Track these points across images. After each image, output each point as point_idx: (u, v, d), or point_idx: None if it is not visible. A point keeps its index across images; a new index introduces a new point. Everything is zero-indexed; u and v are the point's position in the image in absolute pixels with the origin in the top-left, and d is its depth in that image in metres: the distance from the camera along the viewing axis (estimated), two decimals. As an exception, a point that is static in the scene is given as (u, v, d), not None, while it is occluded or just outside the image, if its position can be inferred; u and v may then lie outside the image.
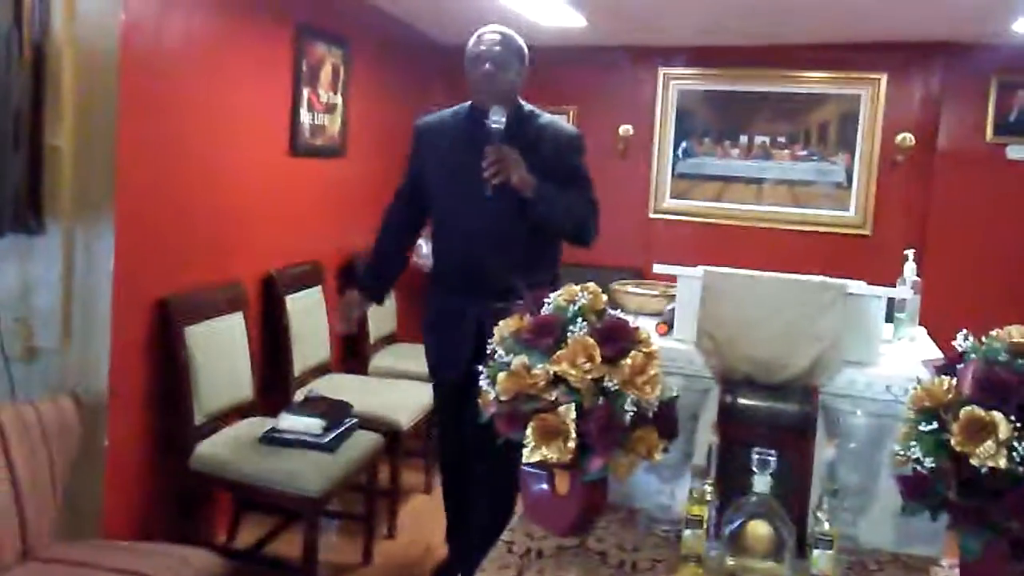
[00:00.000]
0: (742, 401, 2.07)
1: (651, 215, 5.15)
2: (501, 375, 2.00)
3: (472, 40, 2.80)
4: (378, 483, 3.35)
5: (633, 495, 2.25)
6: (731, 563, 1.88)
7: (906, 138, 4.73)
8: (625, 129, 5.12)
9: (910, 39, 4.57)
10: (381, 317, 4.37)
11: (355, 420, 3.23)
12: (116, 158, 2.69)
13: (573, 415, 1.90)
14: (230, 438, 3.05)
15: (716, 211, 5.05)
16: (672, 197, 5.11)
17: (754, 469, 1.86)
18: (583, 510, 2.08)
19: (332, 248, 4.14)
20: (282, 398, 3.49)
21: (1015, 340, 1.79)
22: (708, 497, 1.93)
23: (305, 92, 3.72)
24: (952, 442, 1.74)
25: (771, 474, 1.85)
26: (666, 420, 2.00)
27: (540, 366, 1.95)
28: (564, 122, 2.97)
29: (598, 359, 1.92)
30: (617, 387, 1.92)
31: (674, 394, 2.05)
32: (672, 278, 2.40)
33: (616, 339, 1.95)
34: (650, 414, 1.95)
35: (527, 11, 3.96)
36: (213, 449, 2.97)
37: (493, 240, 2.74)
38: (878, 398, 2.08)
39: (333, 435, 3.06)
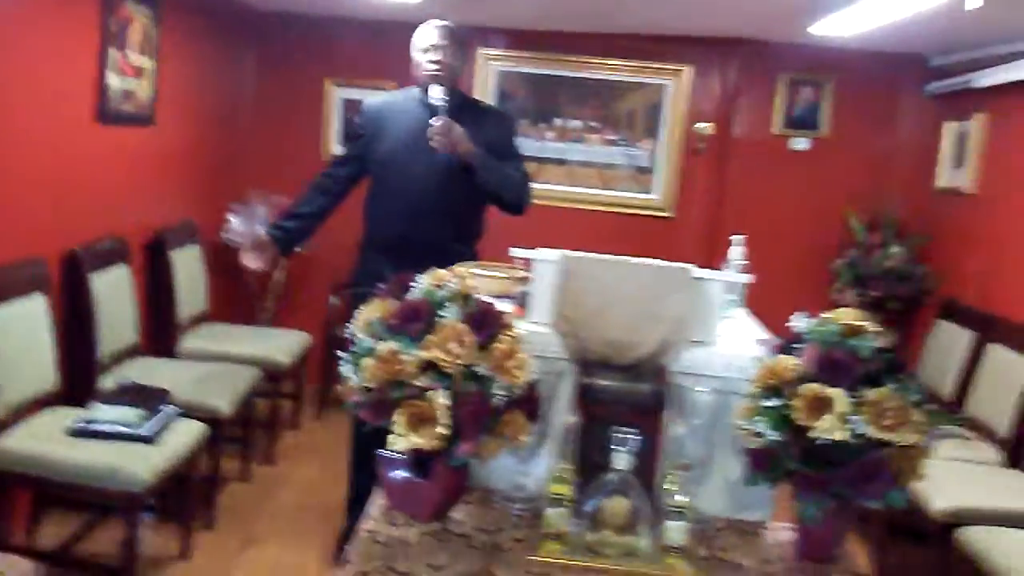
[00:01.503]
0: (599, 382, 2.14)
1: (467, 194, 5.17)
2: (367, 361, 1.95)
3: (419, 30, 3.10)
4: (196, 473, 3.17)
5: (488, 476, 2.27)
6: (591, 538, 1.95)
7: (706, 127, 5.05)
8: (442, 107, 5.10)
9: (714, 34, 4.87)
10: (190, 296, 4.13)
11: (173, 408, 3.03)
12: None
13: (444, 401, 1.90)
14: (34, 430, 2.78)
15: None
16: (488, 177, 5.16)
17: (614, 447, 1.95)
18: (447, 495, 2.08)
19: (139, 223, 3.84)
20: (88, 386, 3.21)
21: (847, 323, 1.98)
22: (568, 476, 1.99)
23: (113, 54, 3.40)
24: (795, 416, 1.90)
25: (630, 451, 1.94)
26: (531, 403, 2.03)
27: (411, 352, 1.92)
28: (498, 107, 3.42)
29: (470, 344, 1.92)
30: (488, 372, 1.93)
31: (535, 377, 2.09)
32: (514, 260, 2.50)
33: (487, 324, 1.96)
34: (516, 398, 1.98)
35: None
36: (15, 443, 2.69)
37: (431, 210, 3.04)
38: (719, 375, 2.23)
39: (152, 425, 2.86)
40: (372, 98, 3.25)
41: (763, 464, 1.96)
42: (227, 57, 4.75)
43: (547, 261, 2.31)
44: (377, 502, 2.15)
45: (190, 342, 4.00)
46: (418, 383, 1.92)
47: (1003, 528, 2.82)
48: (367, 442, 2.99)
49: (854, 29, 4.06)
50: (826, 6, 3.68)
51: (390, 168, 3.09)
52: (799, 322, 2.05)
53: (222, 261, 4.46)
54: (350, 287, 3.21)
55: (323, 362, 4.66)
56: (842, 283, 4.79)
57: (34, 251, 3.03)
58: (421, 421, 1.91)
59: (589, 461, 2.07)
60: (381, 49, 4.88)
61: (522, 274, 2.77)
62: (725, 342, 2.31)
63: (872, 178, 4.99)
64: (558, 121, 5.11)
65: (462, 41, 3.13)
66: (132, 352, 3.59)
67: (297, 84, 5.07)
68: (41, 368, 2.93)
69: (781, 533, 2.18)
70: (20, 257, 2.93)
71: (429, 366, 1.93)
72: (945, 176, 4.74)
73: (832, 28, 4.12)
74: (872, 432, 1.84)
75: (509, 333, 2.00)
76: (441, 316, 1.94)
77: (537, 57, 5.08)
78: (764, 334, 2.45)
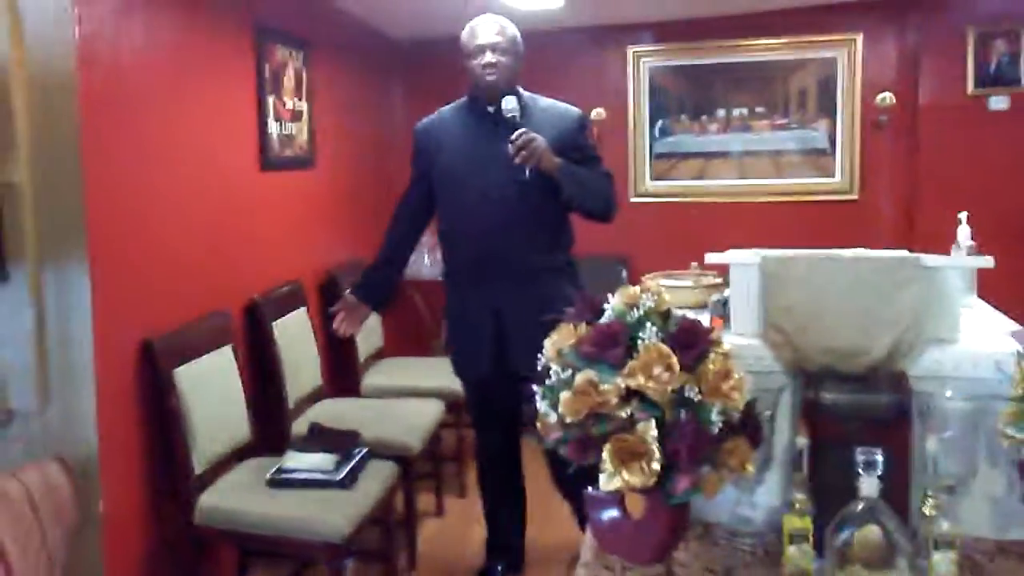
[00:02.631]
0: (827, 396, 1.88)
1: (632, 199, 4.96)
2: (564, 395, 1.78)
3: (467, 32, 2.84)
4: (393, 513, 3.10)
5: (706, 508, 2.05)
6: (841, 577, 1.70)
7: (886, 98, 4.62)
8: (597, 112, 4.92)
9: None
10: (367, 333, 4.11)
11: (366, 449, 2.98)
12: (83, 190, 2.39)
13: (654, 433, 1.70)
14: (234, 484, 2.78)
15: (699, 189, 4.89)
16: (653, 179, 4.93)
17: (860, 470, 1.69)
18: (667, 534, 1.88)
19: (310, 266, 3.87)
20: (280, 434, 3.22)
21: None
22: (804, 507, 1.75)
23: (270, 100, 3.43)
24: (1084, 421, 1.58)
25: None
26: (752, 427, 1.80)
27: (611, 381, 1.74)
28: (564, 103, 2.96)
29: (677, 367, 1.71)
30: (700, 396, 1.72)
31: (752, 397, 1.85)
32: (707, 265, 2.29)
33: (693, 343, 1.74)
34: (736, 422, 1.76)
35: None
36: (218, 499, 2.70)
37: (515, 225, 2.79)
38: (970, 377, 1.91)
39: (346, 470, 2.81)
40: (425, 119, 3.01)
41: (1044, 480, 1.65)
42: (376, 91, 4.77)
43: (745, 264, 2.07)
44: (588, 546, 1.98)
45: (371, 379, 3.99)
46: (621, 414, 1.74)
47: None
48: (499, 465, 3.10)
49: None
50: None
51: (459, 188, 2.84)
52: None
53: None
54: (446, 320, 3.04)
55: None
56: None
57: (217, 305, 3.06)
58: (631, 456, 1.72)
59: (824, 488, 1.82)
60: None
61: (713, 281, 2.55)
62: (969, 338, 1.99)
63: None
64: (720, 112, 4.82)
65: (517, 38, 2.85)
66: (317, 395, 3.59)
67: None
68: (235, 420, 2.94)
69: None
70: (205, 311, 2.96)
71: (632, 394, 1.74)
72: None
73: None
74: None
75: (719, 350, 1.77)
76: (641, 338, 1.75)
77: (689, 47, 4.82)
78: (1012, 324, 2.11)
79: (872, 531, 1.69)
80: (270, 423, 3.25)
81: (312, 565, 3.07)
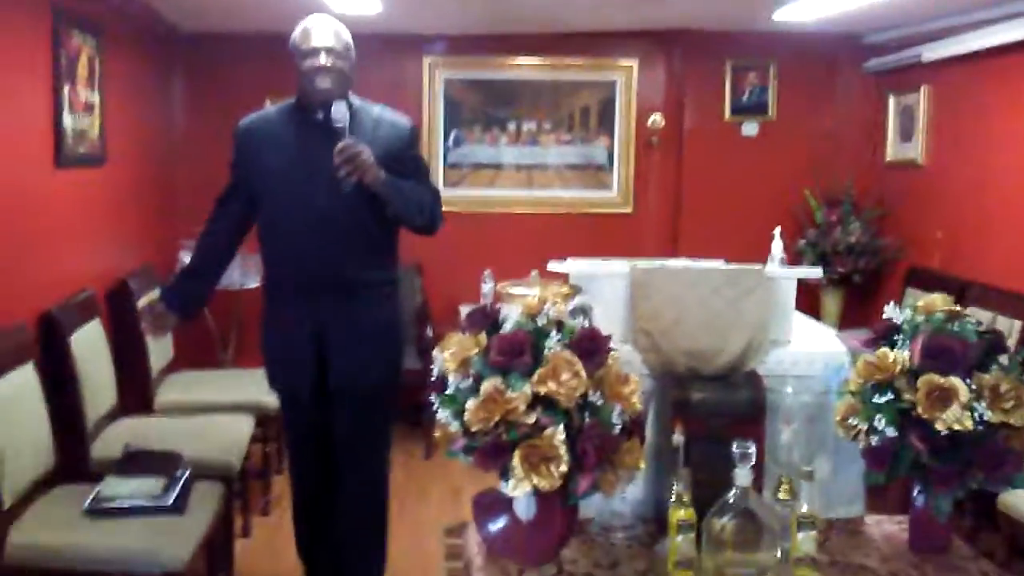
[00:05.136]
0: (695, 395, 2.06)
1: (424, 208, 5.01)
2: (471, 403, 1.81)
3: (299, 31, 2.67)
4: (220, 536, 2.93)
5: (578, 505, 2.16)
6: (721, 560, 1.87)
7: (656, 119, 5.04)
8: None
9: (656, 27, 4.86)
10: (158, 344, 3.83)
11: (188, 471, 2.79)
12: None
13: (563, 437, 1.78)
14: (46, 517, 2.51)
15: (490, 199, 5.05)
16: (445, 187, 5.02)
17: (736, 462, 1.87)
18: (559, 535, 1.96)
19: (101, 273, 3.55)
20: (82, 458, 2.93)
21: (947, 308, 1.96)
22: (687, 499, 1.90)
23: (66, 90, 3.11)
24: (918, 410, 1.86)
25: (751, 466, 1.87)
26: (640, 427, 1.94)
27: (519, 388, 1.79)
28: (395, 111, 2.85)
29: (583, 373, 1.80)
30: (602, 400, 1.83)
31: (636, 398, 1.99)
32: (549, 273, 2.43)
33: (594, 349, 1.85)
34: (630, 424, 1.88)
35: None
36: (29, 534, 2.41)
37: (339, 239, 2.65)
38: (805, 374, 2.18)
39: (175, 493, 2.62)
40: (247, 118, 2.80)
41: (884, 461, 1.92)
42: (164, 85, 4.47)
43: (614, 275, 2.21)
44: (476, 550, 2.02)
45: (166, 394, 3.73)
46: (527, 421, 1.80)
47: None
48: (315, 485, 2.89)
49: (814, 15, 4.12)
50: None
51: (281, 197, 2.67)
52: (894, 313, 2.02)
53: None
54: (264, 331, 2.83)
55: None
56: (807, 263, 4.86)
57: (8, 317, 2.73)
58: (541, 460, 1.78)
59: (696, 479, 1.99)
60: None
61: (567, 290, 2.67)
62: (802, 340, 2.28)
63: (824, 157, 5.07)
64: (511, 125, 5.02)
65: (350, 42, 2.68)
66: (114, 414, 3.31)
67: (241, 105, 4.79)
68: (39, 445, 2.64)
69: (882, 527, 2.15)
70: (2, 325, 2.64)
71: (537, 401, 1.81)
72: (894, 149, 4.87)
73: (792, 14, 4.17)
74: (994, 417, 1.83)
75: (613, 357, 1.89)
76: (548, 347, 1.82)
77: (484, 62, 4.98)
78: (827, 328, 2.43)
79: (745, 518, 1.88)
80: (69, 446, 2.94)
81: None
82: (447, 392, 1.87)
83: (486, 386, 1.81)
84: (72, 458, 2.90)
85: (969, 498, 2.66)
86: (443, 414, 1.87)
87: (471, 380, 1.85)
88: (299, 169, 2.64)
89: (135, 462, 2.73)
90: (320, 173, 2.56)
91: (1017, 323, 3.61)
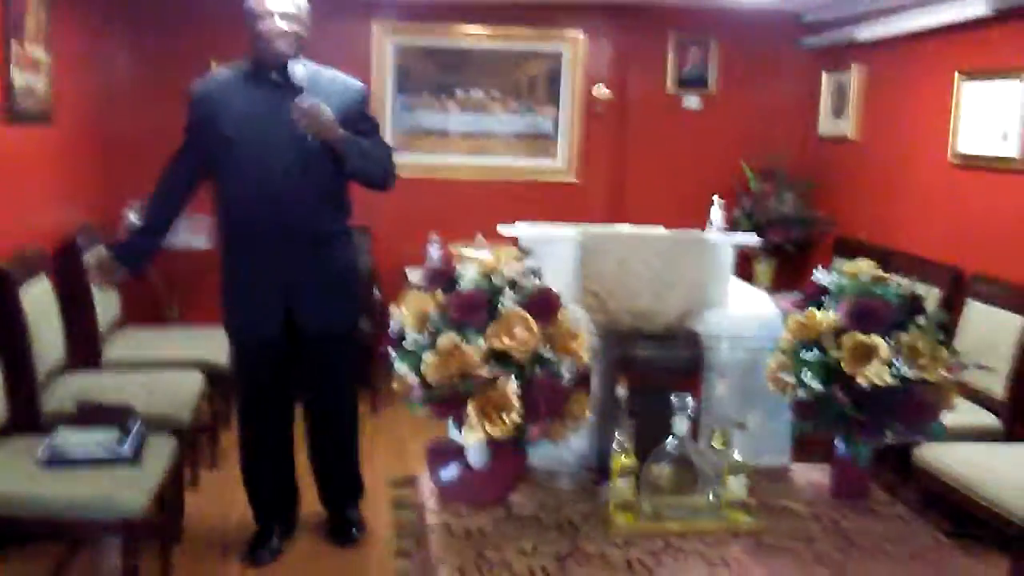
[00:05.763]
0: (639, 352, 2.19)
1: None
2: (428, 356, 1.91)
3: None
4: (173, 488, 2.99)
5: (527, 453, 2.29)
6: (659, 503, 2.02)
7: (601, 90, 5.15)
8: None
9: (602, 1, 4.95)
10: (105, 300, 3.84)
11: (141, 424, 2.84)
12: None
13: (515, 388, 1.89)
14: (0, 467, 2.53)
15: (437, 165, 5.11)
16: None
17: (675, 413, 2.01)
18: (509, 480, 2.09)
19: (50, 230, 3.53)
20: (32, 411, 2.95)
21: (873, 273, 2.12)
22: (629, 447, 2.04)
23: (13, 44, 3.08)
24: (841, 365, 2.03)
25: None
26: (587, 380, 2.06)
27: (475, 343, 1.90)
28: (346, 75, 2.99)
29: (535, 328, 1.92)
30: (553, 354, 1.94)
31: (583, 353, 2.11)
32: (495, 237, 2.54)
33: (546, 307, 1.96)
34: (579, 377, 2.00)
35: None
36: (-17, 484, 2.45)
37: (299, 192, 2.81)
38: (740, 335, 2.33)
39: (131, 445, 2.67)
40: (202, 79, 2.94)
41: (810, 413, 2.09)
42: (109, 45, 4.41)
43: (566, 239, 2.32)
44: (428, 495, 2.13)
45: (115, 351, 3.75)
46: (482, 373, 1.91)
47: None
48: (275, 431, 3.09)
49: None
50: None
51: (240, 155, 2.79)
52: (823, 276, 2.17)
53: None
54: (224, 285, 2.96)
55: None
56: (741, 231, 5.04)
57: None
58: (494, 410, 1.90)
59: (637, 430, 2.13)
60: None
61: (516, 252, 2.78)
62: (737, 302, 2.42)
63: (760, 130, 5.24)
64: (460, 92, 5.07)
65: (305, 4, 2.80)
66: (63, 368, 3.32)
67: (187, 66, 4.74)
68: (-9, 398, 2.67)
69: (806, 475, 2.33)
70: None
71: (493, 355, 1.92)
72: (827, 124, 5.07)
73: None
74: (912, 373, 2.00)
75: (563, 313, 2.01)
76: (502, 303, 1.93)
77: (433, 29, 5.01)
78: (759, 291, 2.58)
79: (682, 465, 2.04)
80: (19, 399, 2.96)
81: (80, 549, 2.87)
82: (405, 346, 1.97)
83: (444, 341, 1.91)
84: (23, 411, 2.93)
85: (888, 454, 2.89)
86: (401, 367, 1.97)
87: (428, 335, 1.96)
88: (259, 127, 2.77)
89: (89, 415, 2.76)
90: (280, 130, 2.71)
91: (935, 290, 3.83)
